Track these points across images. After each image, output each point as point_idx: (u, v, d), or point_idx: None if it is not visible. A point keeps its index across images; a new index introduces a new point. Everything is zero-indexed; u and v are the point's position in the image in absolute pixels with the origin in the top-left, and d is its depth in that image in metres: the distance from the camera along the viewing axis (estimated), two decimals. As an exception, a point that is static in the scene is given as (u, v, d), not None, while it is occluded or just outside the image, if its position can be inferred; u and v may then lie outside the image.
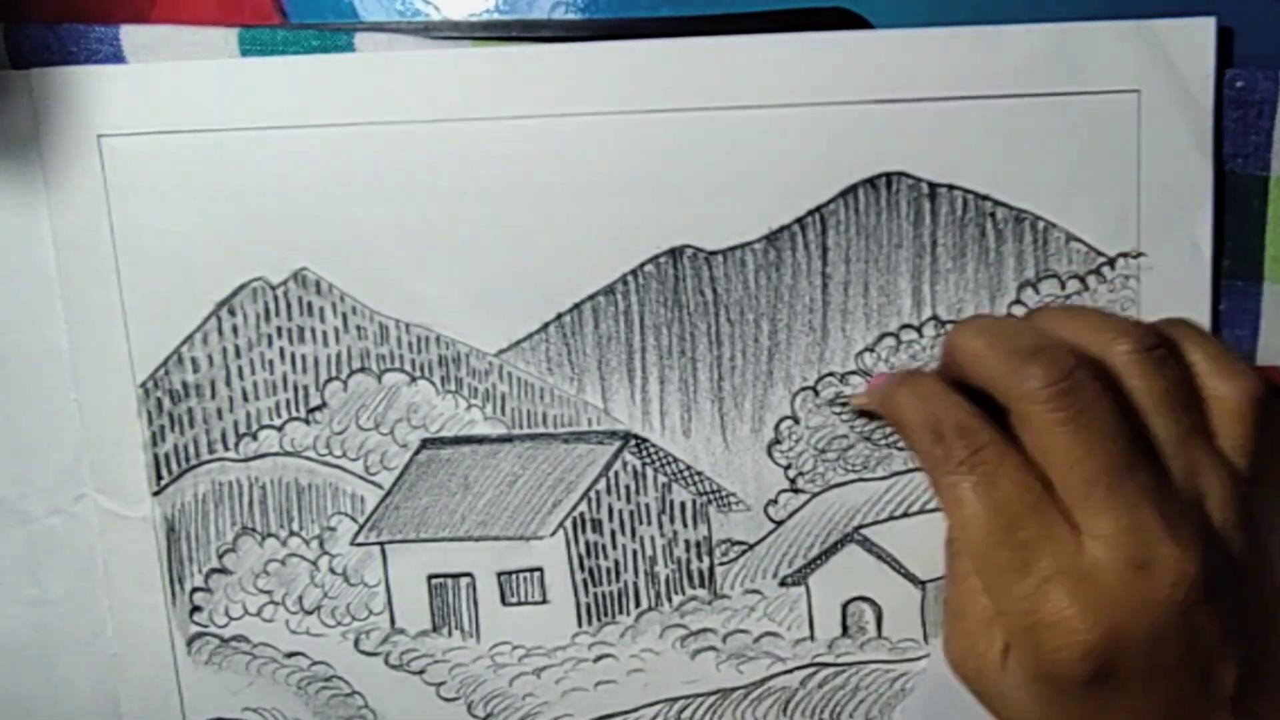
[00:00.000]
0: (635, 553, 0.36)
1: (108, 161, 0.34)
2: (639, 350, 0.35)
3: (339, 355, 0.35)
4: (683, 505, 0.36)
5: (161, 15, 0.35)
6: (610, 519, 0.36)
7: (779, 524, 0.36)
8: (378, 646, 0.37)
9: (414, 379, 0.35)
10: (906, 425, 0.30)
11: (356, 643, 0.37)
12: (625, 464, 0.35)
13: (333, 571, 0.36)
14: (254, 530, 0.36)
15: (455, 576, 0.36)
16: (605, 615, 0.36)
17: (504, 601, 0.36)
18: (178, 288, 0.35)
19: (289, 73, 0.34)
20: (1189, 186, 0.33)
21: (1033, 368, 0.28)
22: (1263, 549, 0.29)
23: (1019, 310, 0.34)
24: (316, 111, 0.34)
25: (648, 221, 0.34)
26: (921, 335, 0.35)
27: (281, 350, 0.35)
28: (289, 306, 0.35)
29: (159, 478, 0.36)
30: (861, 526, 0.35)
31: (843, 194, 0.34)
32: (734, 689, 0.36)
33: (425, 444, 0.36)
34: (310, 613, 0.36)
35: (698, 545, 0.36)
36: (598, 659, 0.36)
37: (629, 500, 0.36)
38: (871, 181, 0.34)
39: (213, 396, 0.35)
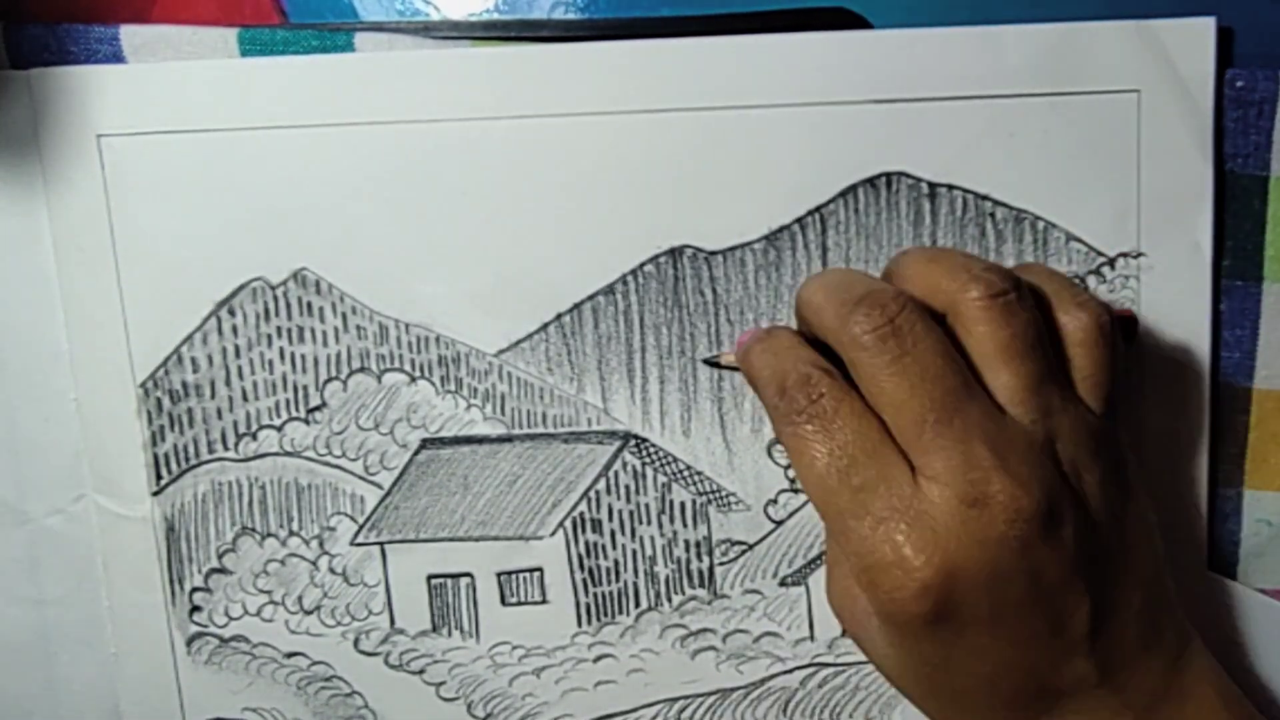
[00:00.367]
0: (635, 553, 0.36)
1: (107, 161, 0.34)
2: (639, 350, 0.35)
3: (339, 355, 0.35)
4: (682, 505, 0.36)
5: (161, 15, 0.35)
6: (610, 519, 0.36)
7: (779, 524, 0.36)
8: (377, 646, 0.37)
9: (414, 379, 0.35)
10: (757, 380, 0.31)
11: (356, 643, 0.37)
12: (625, 464, 0.35)
13: (332, 571, 0.36)
14: (254, 530, 0.36)
15: (455, 576, 0.36)
16: (605, 615, 0.36)
17: (504, 601, 0.36)
18: (177, 287, 0.35)
19: (289, 73, 0.34)
20: (1189, 186, 0.33)
21: (857, 314, 0.28)
22: (1119, 483, 0.29)
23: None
24: (316, 111, 0.34)
25: (648, 221, 0.34)
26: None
27: (281, 350, 0.35)
28: (289, 306, 0.35)
29: (159, 478, 0.36)
30: (861, 526, 0.35)
31: (843, 194, 0.34)
32: (734, 689, 0.36)
33: (425, 444, 0.36)
34: (310, 613, 0.36)
35: (697, 545, 0.36)
36: (597, 659, 0.36)
37: (629, 500, 0.36)
38: (871, 181, 0.34)
39: (212, 396, 0.35)
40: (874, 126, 0.33)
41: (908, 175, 0.34)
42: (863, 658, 0.36)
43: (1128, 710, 0.28)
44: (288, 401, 0.36)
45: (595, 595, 0.36)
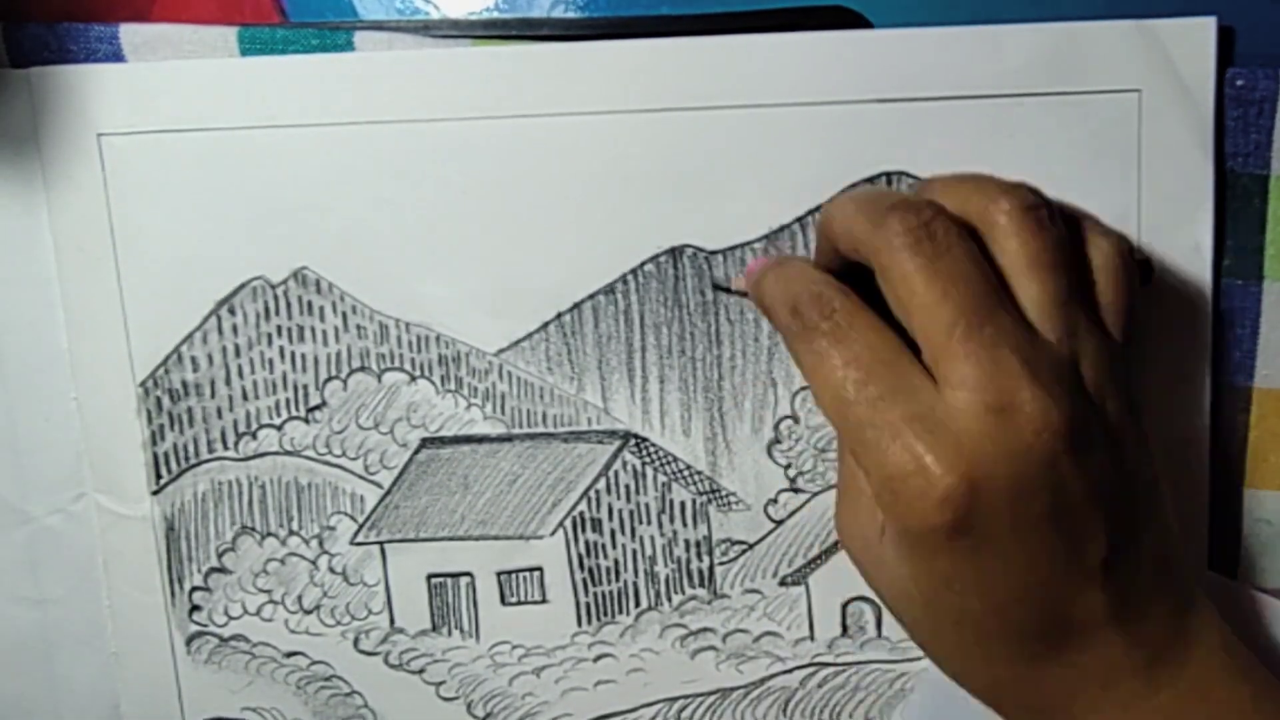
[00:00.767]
0: (635, 552, 0.36)
1: (107, 160, 0.34)
2: (639, 349, 0.35)
3: (339, 354, 0.35)
4: (682, 505, 0.36)
5: (161, 14, 0.35)
6: (610, 518, 0.36)
7: (779, 523, 0.36)
8: (377, 646, 0.37)
9: (414, 378, 0.35)
10: (769, 305, 0.30)
11: (356, 642, 0.37)
12: (625, 463, 0.35)
13: (332, 571, 0.36)
14: (253, 529, 0.36)
15: (455, 576, 0.36)
16: (605, 615, 0.36)
17: (503, 601, 0.36)
18: (177, 287, 0.35)
19: (289, 72, 0.34)
20: (1189, 186, 0.33)
21: (891, 219, 0.27)
22: (1135, 419, 0.29)
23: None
24: (316, 110, 0.34)
25: (648, 221, 0.34)
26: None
27: (281, 349, 0.35)
28: (289, 305, 0.35)
29: (158, 477, 0.36)
30: (861, 526, 0.35)
31: (843, 193, 0.34)
32: (733, 689, 0.36)
33: (425, 443, 0.36)
34: (310, 612, 0.36)
35: (697, 545, 0.36)
36: (597, 658, 0.36)
37: (629, 500, 0.36)
38: (872, 181, 0.34)
39: (212, 395, 0.35)
40: (874, 126, 0.33)
41: (908, 175, 0.34)
42: (863, 658, 0.36)
43: (1135, 651, 0.28)
44: (288, 401, 0.36)
45: (595, 595, 0.36)
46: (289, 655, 0.37)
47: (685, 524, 0.36)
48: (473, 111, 0.34)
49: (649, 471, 0.35)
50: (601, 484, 0.36)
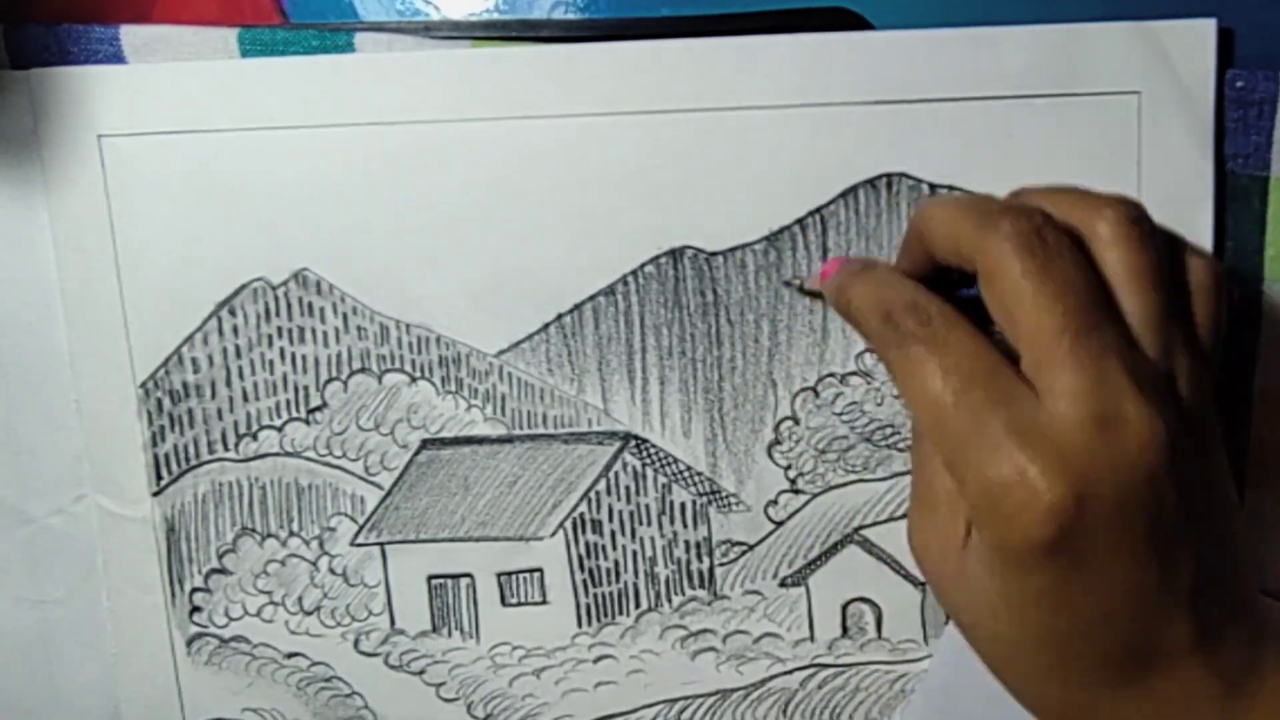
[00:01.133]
0: (635, 553, 0.36)
1: (108, 162, 0.34)
2: (639, 351, 0.35)
3: (339, 356, 0.35)
4: (683, 506, 0.36)
5: (161, 15, 0.35)
6: (610, 520, 0.36)
7: (779, 525, 0.36)
8: (377, 647, 0.37)
9: (414, 379, 0.35)
10: (857, 311, 0.30)
11: (356, 643, 0.37)
12: (625, 464, 0.35)
13: (332, 572, 0.36)
14: (254, 531, 0.36)
15: (455, 577, 0.36)
16: (605, 616, 0.36)
17: (504, 602, 0.36)
18: (178, 288, 0.35)
19: (289, 73, 0.34)
20: (1189, 187, 0.33)
21: (1001, 222, 0.27)
22: (1219, 440, 0.28)
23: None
24: (317, 112, 0.34)
25: (648, 222, 0.34)
26: (922, 336, 0.34)
27: (282, 351, 0.35)
28: (289, 307, 0.35)
29: (159, 478, 0.36)
30: (861, 527, 0.35)
31: (843, 195, 0.34)
32: (734, 690, 0.36)
33: (425, 444, 0.36)
34: (310, 613, 0.36)
35: (698, 546, 0.36)
36: (597, 660, 0.36)
37: (629, 501, 0.36)
38: (872, 182, 0.34)
39: (213, 397, 0.35)
40: (875, 127, 0.33)
41: (908, 176, 0.34)
42: (863, 659, 0.36)
43: (1216, 681, 0.27)
44: (288, 402, 0.36)
45: (595, 596, 0.36)
46: (289, 656, 0.37)
47: (685, 525, 0.36)
48: (473, 113, 0.34)
49: (649, 473, 0.36)
50: (602, 485, 0.36)
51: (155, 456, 0.36)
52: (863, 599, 0.36)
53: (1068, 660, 0.27)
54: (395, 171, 0.34)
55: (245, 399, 0.35)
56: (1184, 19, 0.33)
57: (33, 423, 0.36)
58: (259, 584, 0.36)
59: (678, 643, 0.36)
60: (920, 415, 0.27)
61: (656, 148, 0.34)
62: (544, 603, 0.36)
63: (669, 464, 0.35)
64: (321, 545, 0.36)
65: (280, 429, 0.36)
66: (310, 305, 0.35)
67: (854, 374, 0.35)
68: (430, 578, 0.36)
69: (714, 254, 0.34)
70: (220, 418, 0.36)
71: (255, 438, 0.36)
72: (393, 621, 0.36)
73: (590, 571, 0.36)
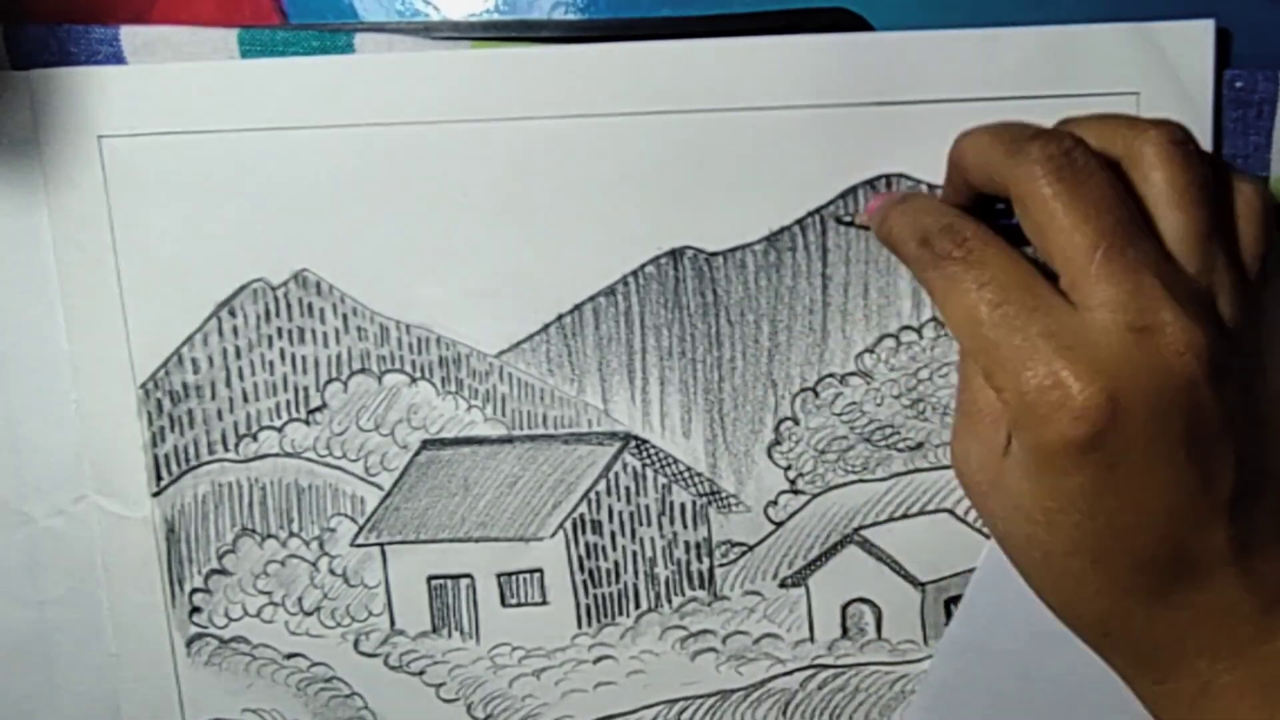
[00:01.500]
0: (635, 554, 0.36)
1: (108, 162, 0.34)
2: (639, 351, 0.35)
3: (339, 356, 0.35)
4: (682, 506, 0.36)
5: (161, 16, 0.35)
6: (610, 520, 0.36)
7: (779, 525, 0.36)
8: (377, 648, 0.37)
9: (414, 380, 0.35)
10: (897, 239, 0.30)
11: (356, 644, 0.37)
12: (625, 465, 0.35)
13: (332, 572, 0.36)
14: (254, 531, 0.36)
15: (455, 578, 0.36)
16: (605, 616, 0.36)
17: (504, 603, 0.36)
18: (178, 288, 0.35)
19: (289, 74, 0.34)
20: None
21: (1031, 147, 0.27)
22: (1264, 360, 0.28)
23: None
24: (316, 113, 0.34)
25: (648, 223, 0.34)
26: (921, 336, 0.35)
27: (282, 351, 0.35)
28: (289, 307, 0.35)
29: (159, 479, 0.36)
30: (861, 528, 0.35)
31: (843, 195, 0.34)
32: (733, 690, 0.36)
33: (425, 445, 0.36)
34: (310, 614, 0.36)
35: (697, 546, 0.36)
36: (597, 660, 0.36)
37: (629, 501, 0.36)
38: (872, 183, 0.34)
39: (213, 397, 0.35)
40: (874, 128, 0.33)
41: (908, 177, 0.34)
42: (863, 660, 0.36)
43: (1251, 596, 0.27)
44: (288, 403, 0.36)
45: (595, 596, 0.36)
46: (289, 657, 0.37)
47: (685, 526, 0.36)
48: (473, 113, 0.34)
49: (649, 473, 0.36)
50: (602, 486, 0.36)
51: (155, 457, 0.36)
52: (862, 599, 0.36)
53: (1102, 566, 0.28)
54: (395, 172, 0.34)
55: (245, 399, 0.35)
56: (1182, 20, 0.33)
57: (33, 423, 0.36)
58: (259, 584, 0.36)
59: (677, 643, 0.36)
60: (959, 330, 0.28)
61: (657, 148, 0.34)
62: (544, 603, 0.36)
63: (669, 464, 0.35)
64: (321, 546, 0.36)
65: (280, 429, 0.36)
66: (310, 306, 0.35)
67: (854, 374, 0.35)
68: (430, 578, 0.36)
69: (714, 254, 0.34)
70: (220, 418, 0.36)
71: (255, 438, 0.36)
72: (393, 622, 0.36)
73: (590, 572, 0.36)
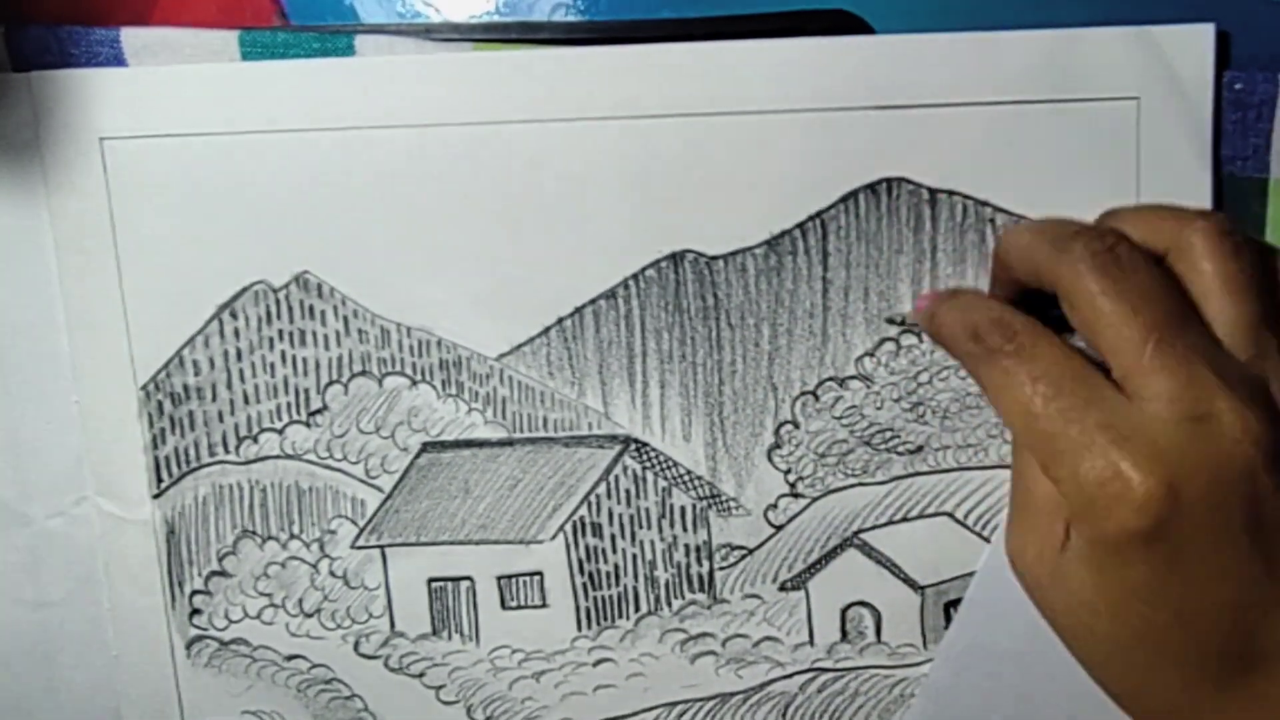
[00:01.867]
0: (635, 557, 0.36)
1: (109, 164, 0.34)
2: (640, 355, 0.35)
3: (340, 358, 0.35)
4: (682, 509, 0.36)
5: (162, 17, 0.35)
6: (610, 523, 0.36)
7: (779, 528, 0.36)
8: (378, 650, 0.37)
9: (415, 382, 0.35)
10: (948, 335, 0.31)
11: (356, 646, 0.37)
12: (625, 468, 0.36)
13: (333, 574, 0.36)
14: (254, 533, 0.36)
15: (455, 580, 0.36)
16: (605, 619, 0.36)
17: (504, 605, 0.36)
18: (179, 290, 0.35)
19: (290, 76, 0.34)
20: (1189, 191, 0.33)
21: (1075, 244, 0.28)
22: None
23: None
24: (317, 115, 0.34)
25: (649, 226, 0.34)
26: (921, 340, 0.35)
27: (283, 353, 0.35)
28: (290, 310, 0.35)
29: (159, 480, 0.36)
30: (861, 531, 0.35)
31: (843, 199, 0.34)
32: (733, 694, 0.36)
33: (426, 447, 0.36)
34: (310, 616, 0.36)
35: (697, 550, 0.36)
36: (597, 663, 0.36)
37: (629, 504, 0.36)
38: (872, 187, 0.34)
39: (214, 399, 0.35)
40: (874, 132, 0.33)
41: (908, 181, 0.34)
42: (862, 663, 0.36)
43: None
44: (289, 405, 0.36)
45: (595, 599, 0.36)
46: (289, 659, 0.37)
47: (685, 529, 0.36)
48: (474, 116, 0.34)
49: (649, 476, 0.36)
50: (602, 489, 0.36)
51: (156, 459, 0.36)
52: (862, 603, 0.36)
53: (1167, 657, 0.27)
54: (396, 174, 0.34)
55: (246, 401, 0.35)
56: (1182, 23, 0.33)
57: (33, 425, 0.36)
58: (259, 586, 0.36)
59: (677, 646, 0.36)
60: (1014, 423, 0.28)
61: (657, 151, 0.34)
62: (544, 606, 0.36)
63: (669, 468, 0.35)
64: (322, 548, 0.36)
65: (281, 432, 0.36)
66: (311, 308, 0.35)
67: (853, 378, 0.35)
68: (430, 580, 0.36)
69: (714, 258, 0.34)
70: (221, 420, 0.36)
71: (256, 440, 0.36)
72: (393, 624, 0.36)
73: (590, 575, 0.36)
